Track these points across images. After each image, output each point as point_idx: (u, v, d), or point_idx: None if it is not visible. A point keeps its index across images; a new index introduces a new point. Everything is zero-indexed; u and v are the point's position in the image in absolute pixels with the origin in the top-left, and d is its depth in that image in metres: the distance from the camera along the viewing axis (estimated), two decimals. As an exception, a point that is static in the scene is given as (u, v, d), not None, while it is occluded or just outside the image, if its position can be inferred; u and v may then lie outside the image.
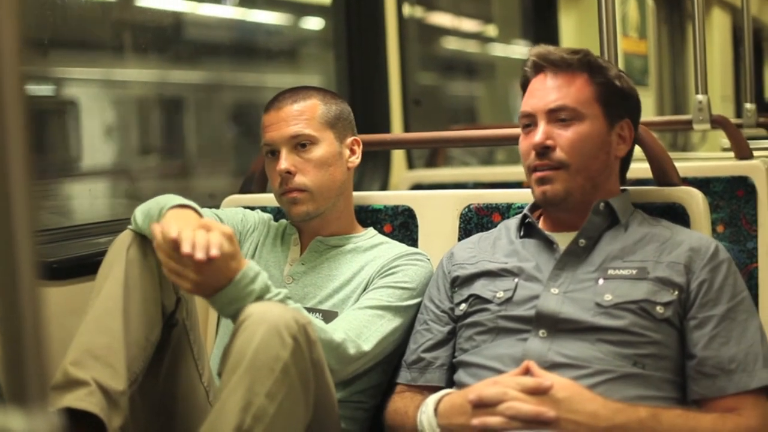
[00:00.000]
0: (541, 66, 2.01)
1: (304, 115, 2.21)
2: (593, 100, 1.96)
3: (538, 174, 1.96)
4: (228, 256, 1.74)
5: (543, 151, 1.95)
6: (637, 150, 2.14)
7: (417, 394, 2.00)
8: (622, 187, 2.07)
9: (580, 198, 1.96)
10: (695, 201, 2.09)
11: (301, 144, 2.20)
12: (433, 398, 1.88)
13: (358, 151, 2.31)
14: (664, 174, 2.20)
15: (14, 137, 0.66)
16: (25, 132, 0.66)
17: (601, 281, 1.88)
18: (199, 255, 1.69)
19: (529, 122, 2.00)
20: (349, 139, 2.29)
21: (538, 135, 1.95)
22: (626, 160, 2.06)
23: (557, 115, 1.96)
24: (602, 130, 1.96)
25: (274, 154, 2.22)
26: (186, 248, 1.70)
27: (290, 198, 2.20)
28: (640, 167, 2.24)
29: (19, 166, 0.67)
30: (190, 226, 1.76)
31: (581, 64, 1.98)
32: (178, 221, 1.80)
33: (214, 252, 1.70)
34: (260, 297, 1.78)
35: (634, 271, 1.87)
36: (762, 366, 1.78)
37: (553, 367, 1.79)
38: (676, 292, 1.84)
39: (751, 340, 1.81)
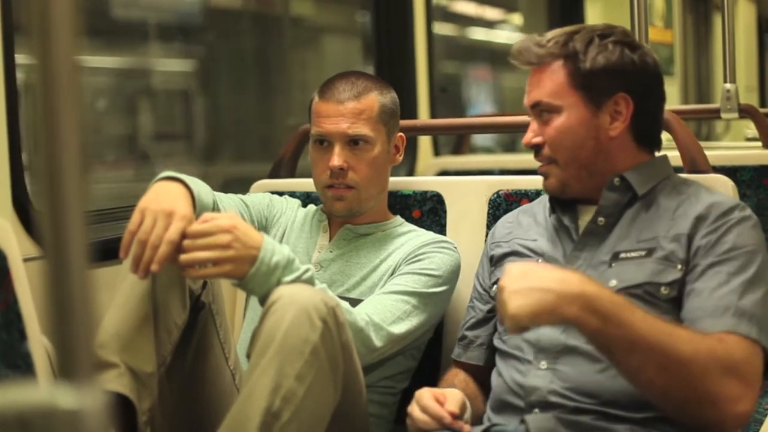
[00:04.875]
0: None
1: (364, 114, 2.17)
2: (569, 88, 1.87)
3: (539, 169, 1.95)
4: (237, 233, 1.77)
5: (534, 148, 1.92)
6: (666, 137, 2.12)
7: (460, 370, 2.03)
8: (657, 154, 1.96)
9: (578, 185, 1.91)
10: (725, 189, 2.07)
11: (355, 141, 2.18)
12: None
13: (402, 148, 2.31)
14: (693, 162, 2.19)
15: (68, 118, 0.66)
16: (80, 112, 0.67)
17: (612, 265, 1.82)
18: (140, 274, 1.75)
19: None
20: (396, 136, 2.28)
21: (527, 134, 1.93)
22: (644, 127, 1.92)
23: (539, 111, 1.91)
24: (584, 116, 1.87)
25: (323, 143, 2.19)
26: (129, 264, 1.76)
27: (337, 194, 2.19)
28: (669, 155, 2.23)
29: (72, 147, 0.67)
30: (161, 206, 1.77)
31: (554, 54, 1.88)
32: (158, 197, 1.79)
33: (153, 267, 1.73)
34: (287, 267, 1.79)
35: (644, 252, 1.81)
36: (757, 325, 1.67)
37: (565, 350, 1.78)
38: (682, 267, 1.76)
39: (760, 293, 1.70)
